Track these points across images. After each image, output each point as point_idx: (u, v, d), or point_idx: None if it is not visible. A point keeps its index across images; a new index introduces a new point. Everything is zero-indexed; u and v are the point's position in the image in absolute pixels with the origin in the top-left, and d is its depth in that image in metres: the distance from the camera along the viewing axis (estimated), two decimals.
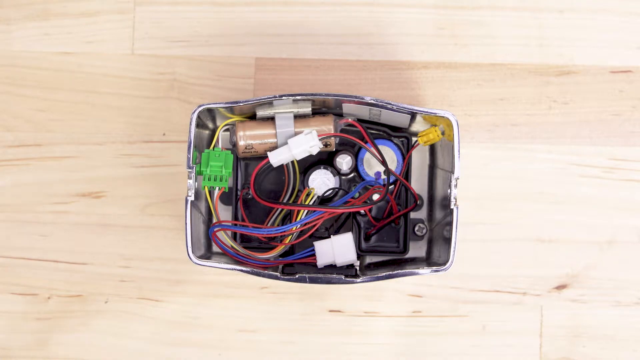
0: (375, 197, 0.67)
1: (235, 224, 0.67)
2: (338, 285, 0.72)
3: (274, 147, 0.65)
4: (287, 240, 0.66)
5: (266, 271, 0.63)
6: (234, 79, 0.73)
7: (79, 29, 0.74)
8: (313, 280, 0.63)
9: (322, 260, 0.65)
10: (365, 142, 0.65)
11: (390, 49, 0.73)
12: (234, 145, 0.66)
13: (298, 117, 0.65)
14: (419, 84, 0.73)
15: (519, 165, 0.73)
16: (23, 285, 0.73)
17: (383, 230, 0.69)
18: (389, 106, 0.63)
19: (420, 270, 0.63)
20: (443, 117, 0.63)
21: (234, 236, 0.68)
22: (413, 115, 0.65)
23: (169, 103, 0.73)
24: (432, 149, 0.71)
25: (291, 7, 0.74)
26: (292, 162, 0.67)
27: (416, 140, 0.67)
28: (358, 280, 0.63)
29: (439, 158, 0.69)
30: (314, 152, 0.64)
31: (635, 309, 0.72)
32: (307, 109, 0.65)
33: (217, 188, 0.65)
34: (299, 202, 0.66)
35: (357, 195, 0.66)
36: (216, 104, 0.63)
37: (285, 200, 0.68)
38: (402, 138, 0.69)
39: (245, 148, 0.65)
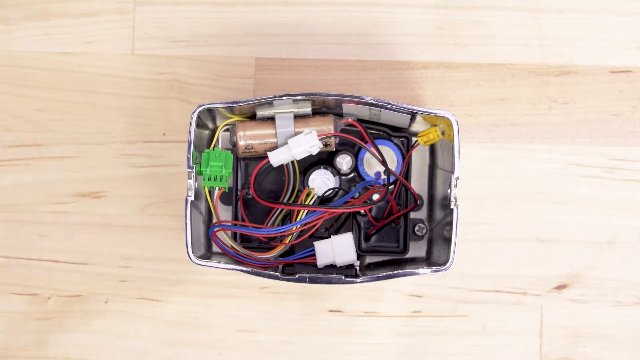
0: (375, 197, 0.67)
1: (235, 224, 0.67)
2: (338, 285, 0.72)
3: (274, 147, 0.65)
4: (287, 240, 0.66)
5: (266, 271, 0.63)
6: (234, 79, 0.73)
7: (79, 29, 0.74)
8: (313, 280, 0.63)
9: (322, 260, 0.65)
10: (365, 142, 0.65)
11: (390, 49, 0.73)
12: (234, 145, 0.66)
13: (298, 117, 0.65)
14: (419, 84, 0.73)
15: (519, 165, 0.73)
16: (23, 285, 0.73)
17: (383, 230, 0.69)
18: (389, 106, 0.63)
19: (420, 270, 0.63)
20: (443, 117, 0.63)
21: (234, 236, 0.68)
22: (413, 115, 0.65)
23: (169, 103, 0.73)
24: (432, 149, 0.71)
25: (291, 7, 0.74)
26: (292, 162, 0.67)
27: (416, 140, 0.67)
28: (358, 280, 0.63)
29: (439, 158, 0.69)
30: (314, 152, 0.64)
31: (635, 309, 0.72)
32: (307, 109, 0.65)
33: (217, 188, 0.65)
34: (299, 202, 0.66)
35: (357, 195, 0.66)
36: (216, 104, 0.63)
37: (285, 200, 0.68)
38: (402, 138, 0.69)
39: (245, 148, 0.65)
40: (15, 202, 0.73)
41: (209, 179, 0.64)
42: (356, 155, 0.68)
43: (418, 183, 0.71)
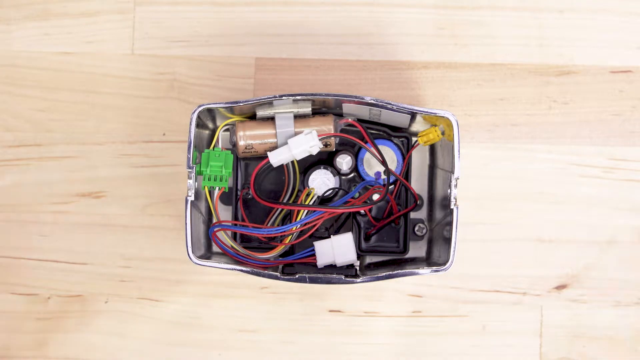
0: (375, 197, 0.67)
1: (235, 224, 0.67)
2: (338, 285, 0.72)
3: (274, 147, 0.65)
4: (287, 240, 0.66)
5: (266, 271, 0.63)
6: (234, 79, 0.73)
7: (79, 29, 0.74)
8: (313, 280, 0.63)
9: (322, 260, 0.65)
10: (365, 142, 0.65)
11: (390, 49, 0.73)
12: (234, 145, 0.66)
13: (298, 117, 0.65)
14: (419, 84, 0.73)
15: (519, 165, 0.73)
16: (23, 285, 0.73)
17: (383, 230, 0.69)
18: (389, 106, 0.63)
19: (420, 270, 0.63)
20: (443, 117, 0.63)
21: (234, 236, 0.68)
22: (413, 115, 0.65)
23: (169, 103, 0.73)
24: (432, 149, 0.71)
25: (291, 7, 0.74)
26: (292, 162, 0.67)
27: (416, 140, 0.67)
28: (358, 280, 0.63)
29: (439, 158, 0.69)
30: (314, 152, 0.64)
31: (635, 309, 0.72)
32: (307, 109, 0.65)
33: (217, 188, 0.65)
34: (299, 202, 0.66)
35: (357, 195, 0.66)
36: (216, 104, 0.63)
37: (285, 200, 0.68)
38: (402, 138, 0.69)
39: (245, 148, 0.65)
40: (15, 202, 0.73)
41: (209, 179, 0.64)
42: (356, 155, 0.68)
43: (418, 183, 0.71)
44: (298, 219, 0.64)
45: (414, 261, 0.70)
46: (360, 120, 0.67)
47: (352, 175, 0.69)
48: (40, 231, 0.73)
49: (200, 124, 0.65)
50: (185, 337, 0.73)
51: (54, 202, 0.73)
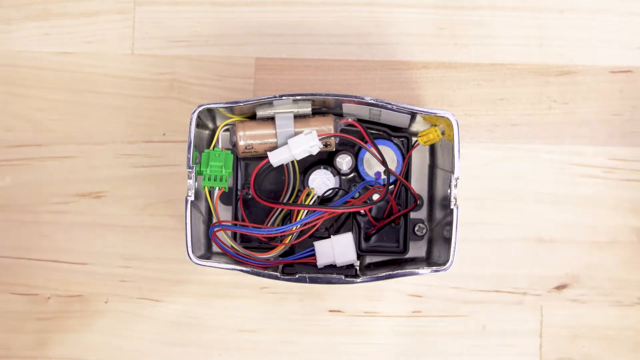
0: (375, 197, 0.67)
1: (235, 224, 0.67)
2: (338, 285, 0.72)
3: (274, 147, 0.65)
4: (287, 240, 0.66)
5: (266, 271, 0.63)
6: (234, 79, 0.73)
7: (79, 29, 0.74)
8: (313, 280, 0.63)
9: (322, 260, 0.65)
10: (365, 142, 0.65)
11: (390, 49, 0.73)
12: (234, 145, 0.66)
13: (298, 117, 0.65)
14: (419, 84, 0.73)
15: (519, 165, 0.73)
16: (23, 285, 0.73)
17: (383, 230, 0.69)
18: (389, 106, 0.63)
19: (420, 270, 0.63)
20: (443, 117, 0.63)
21: (234, 236, 0.68)
22: (413, 115, 0.65)
23: (169, 103, 0.73)
24: (432, 149, 0.71)
25: (291, 7, 0.74)
26: (292, 162, 0.67)
27: (416, 140, 0.67)
28: (358, 280, 0.63)
29: (439, 158, 0.69)
30: (314, 152, 0.64)
31: (635, 309, 0.72)
32: (307, 109, 0.65)
33: (217, 188, 0.65)
34: (299, 202, 0.66)
35: (357, 195, 0.66)
36: (216, 104, 0.63)
37: (285, 200, 0.68)
38: (402, 138, 0.69)
39: (245, 148, 0.65)
40: (15, 202, 0.73)
41: (209, 179, 0.64)
42: (356, 155, 0.68)
43: (418, 183, 0.71)
44: (298, 219, 0.64)
45: (414, 261, 0.70)
46: (360, 120, 0.67)
47: (352, 175, 0.69)
48: (40, 231, 0.73)
49: (200, 124, 0.65)
50: (185, 337, 0.73)
51: (54, 202, 0.73)
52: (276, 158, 0.64)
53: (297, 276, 0.63)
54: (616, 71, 0.73)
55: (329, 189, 0.67)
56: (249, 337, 0.73)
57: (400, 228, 0.69)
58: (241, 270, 0.63)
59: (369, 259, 0.70)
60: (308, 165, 0.69)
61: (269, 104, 0.65)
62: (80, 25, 0.74)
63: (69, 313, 0.73)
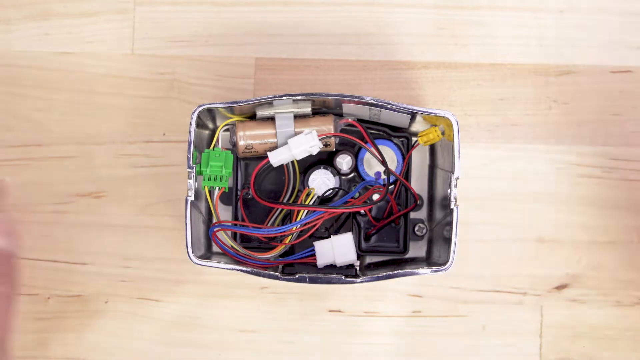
0: (375, 197, 0.67)
1: (235, 224, 0.67)
2: (338, 285, 0.72)
3: (274, 147, 0.65)
4: (287, 240, 0.66)
5: (266, 271, 0.63)
6: (234, 79, 0.73)
7: (79, 29, 0.74)
8: (313, 280, 0.63)
9: (322, 260, 0.65)
10: (365, 142, 0.65)
11: (390, 49, 0.73)
12: (234, 145, 0.66)
13: (298, 117, 0.65)
14: (419, 84, 0.73)
15: (519, 165, 0.73)
16: (23, 285, 0.73)
17: (383, 230, 0.69)
18: (389, 106, 0.63)
19: (420, 270, 0.63)
20: (443, 117, 0.63)
21: (234, 236, 0.68)
22: (413, 115, 0.65)
23: (169, 103, 0.73)
24: (432, 149, 0.71)
25: (291, 7, 0.74)
26: (292, 162, 0.67)
27: (416, 140, 0.67)
28: (358, 280, 0.63)
29: (439, 158, 0.69)
30: (314, 152, 0.64)
31: (635, 309, 0.72)
32: (307, 109, 0.65)
33: (217, 188, 0.65)
34: (299, 202, 0.66)
35: (357, 195, 0.66)
36: (216, 104, 0.63)
37: (285, 200, 0.68)
38: (402, 138, 0.69)
39: (245, 148, 0.65)
40: (15, 202, 0.73)
41: (209, 179, 0.64)
42: (356, 155, 0.68)
43: (418, 183, 0.71)
44: (298, 219, 0.64)
45: (414, 261, 0.70)
46: (360, 120, 0.67)
47: (352, 175, 0.69)
48: (40, 231, 0.73)
49: (200, 124, 0.65)
50: (185, 337, 0.73)
51: (54, 202, 0.73)
52: (276, 158, 0.64)
53: (297, 276, 0.63)
54: (616, 71, 0.73)
55: (329, 189, 0.67)
56: (249, 337, 0.73)
57: (400, 228, 0.69)
58: (241, 270, 0.63)
59: (369, 259, 0.70)
60: (308, 165, 0.69)
61: (269, 104, 0.65)
62: (80, 25, 0.74)
63: (69, 313, 0.73)
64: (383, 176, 0.67)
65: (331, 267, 0.65)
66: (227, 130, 0.67)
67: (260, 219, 0.69)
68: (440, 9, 0.73)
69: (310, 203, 0.66)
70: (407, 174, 0.69)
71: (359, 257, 0.66)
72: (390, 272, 0.63)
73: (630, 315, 0.72)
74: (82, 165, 0.73)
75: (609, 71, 0.73)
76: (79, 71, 0.74)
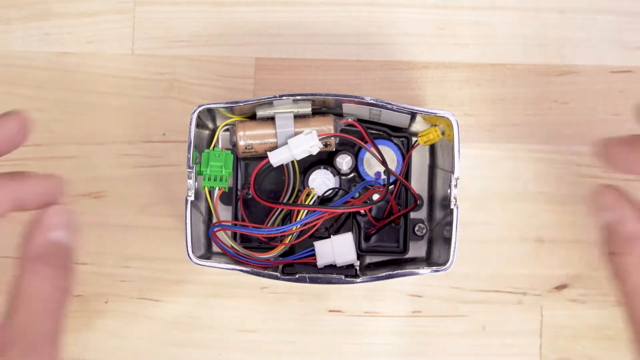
0: (375, 197, 0.67)
1: (235, 224, 0.67)
2: (338, 285, 0.72)
3: (274, 147, 0.65)
4: (287, 240, 0.66)
5: (266, 271, 0.63)
6: (234, 79, 0.73)
7: (79, 29, 0.74)
8: (313, 280, 0.63)
9: (322, 260, 0.65)
10: (365, 142, 0.65)
11: (390, 49, 0.73)
12: (234, 145, 0.66)
13: (298, 117, 0.65)
14: (419, 84, 0.73)
15: (519, 165, 0.73)
16: None
17: (383, 230, 0.69)
18: (389, 106, 0.63)
19: (420, 270, 0.63)
20: (443, 117, 0.63)
21: (234, 236, 0.68)
22: (413, 115, 0.65)
23: (169, 103, 0.73)
24: (432, 149, 0.71)
25: (291, 7, 0.74)
26: (292, 162, 0.67)
27: (416, 140, 0.67)
28: (358, 280, 0.63)
29: (439, 158, 0.69)
30: (314, 152, 0.64)
31: None
32: (307, 109, 0.65)
33: (217, 188, 0.65)
34: (299, 202, 0.66)
35: (357, 195, 0.66)
36: (216, 104, 0.63)
37: (285, 200, 0.68)
38: (402, 138, 0.69)
39: (245, 148, 0.65)
40: None
41: (209, 179, 0.64)
42: (356, 155, 0.68)
43: (418, 183, 0.71)
44: (298, 219, 0.64)
45: (414, 261, 0.70)
46: (360, 120, 0.67)
47: (352, 175, 0.69)
48: None
49: (200, 124, 0.65)
50: (185, 337, 0.73)
51: None
52: (276, 158, 0.64)
53: (297, 276, 0.63)
54: (616, 71, 0.73)
55: (329, 189, 0.67)
56: (249, 337, 0.73)
57: (400, 228, 0.69)
58: (241, 270, 0.63)
59: (369, 259, 0.70)
60: (308, 165, 0.69)
61: (269, 104, 0.65)
62: (80, 25, 0.74)
63: (69, 313, 0.73)
64: (383, 176, 0.67)
65: (331, 267, 0.65)
66: (227, 130, 0.67)
67: (260, 219, 0.69)
68: (440, 9, 0.73)
69: (310, 203, 0.66)
70: (407, 174, 0.69)
71: (359, 257, 0.66)
72: (390, 272, 0.63)
73: None
74: (82, 165, 0.73)
75: (609, 71, 0.73)
76: (79, 71, 0.74)
